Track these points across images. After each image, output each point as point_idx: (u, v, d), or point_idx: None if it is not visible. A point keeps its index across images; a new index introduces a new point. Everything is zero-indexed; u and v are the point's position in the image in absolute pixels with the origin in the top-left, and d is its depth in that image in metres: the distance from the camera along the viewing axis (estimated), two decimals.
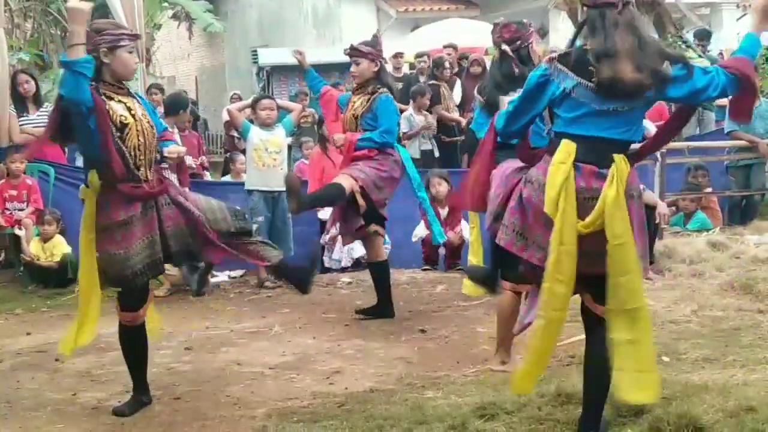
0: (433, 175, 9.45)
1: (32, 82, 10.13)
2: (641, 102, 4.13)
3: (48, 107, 10.21)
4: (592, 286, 4.18)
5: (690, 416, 4.29)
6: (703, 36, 12.77)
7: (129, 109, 5.08)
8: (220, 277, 9.10)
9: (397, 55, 14.18)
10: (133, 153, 5.04)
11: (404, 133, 11.59)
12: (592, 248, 4.07)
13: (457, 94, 12.82)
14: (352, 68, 7.42)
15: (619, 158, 4.11)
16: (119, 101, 5.06)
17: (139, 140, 5.06)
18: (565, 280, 4.10)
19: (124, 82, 5.14)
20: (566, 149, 4.13)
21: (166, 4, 22.36)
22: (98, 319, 5.23)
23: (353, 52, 7.29)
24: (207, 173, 11.22)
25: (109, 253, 5.01)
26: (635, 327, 4.08)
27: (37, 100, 10.13)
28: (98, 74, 5.02)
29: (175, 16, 24.65)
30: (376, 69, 7.27)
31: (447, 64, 12.70)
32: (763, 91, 10.63)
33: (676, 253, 8.26)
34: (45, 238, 9.20)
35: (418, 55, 13.77)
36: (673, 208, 10.07)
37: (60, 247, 9.16)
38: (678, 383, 4.92)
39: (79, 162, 10.31)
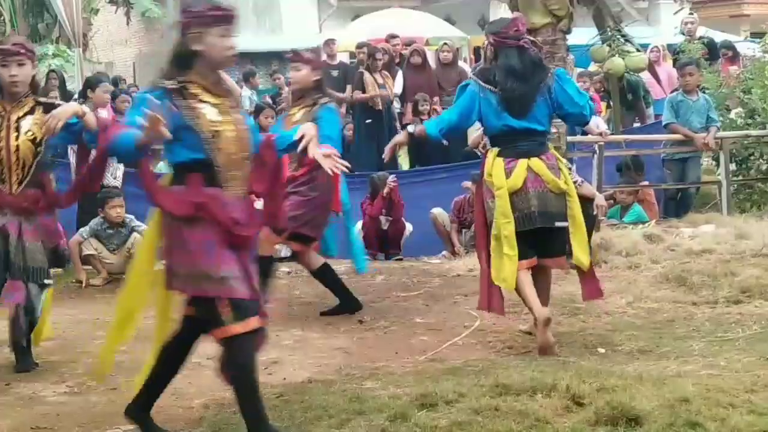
0: (380, 179, 10.21)
1: None
2: None
3: None
4: None
5: (625, 407, 4.35)
6: None
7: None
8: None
9: (329, 42, 14.08)
10: None
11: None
12: None
13: (398, 85, 12.82)
14: (292, 74, 7.11)
15: None
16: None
17: None
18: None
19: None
20: None
21: None
22: None
23: (295, 57, 6.90)
24: None
25: None
26: None
27: None
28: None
29: (112, 1, 24.27)
30: (316, 78, 6.87)
31: (379, 56, 12.69)
32: (700, 87, 10.75)
33: (613, 245, 8.34)
34: None
35: (359, 46, 13.74)
36: (611, 200, 10.18)
37: None
38: (613, 374, 4.98)
39: None
